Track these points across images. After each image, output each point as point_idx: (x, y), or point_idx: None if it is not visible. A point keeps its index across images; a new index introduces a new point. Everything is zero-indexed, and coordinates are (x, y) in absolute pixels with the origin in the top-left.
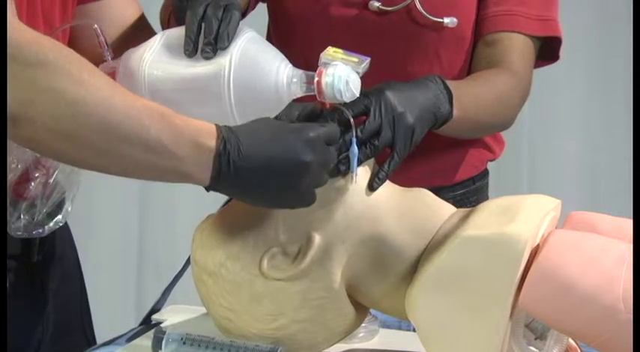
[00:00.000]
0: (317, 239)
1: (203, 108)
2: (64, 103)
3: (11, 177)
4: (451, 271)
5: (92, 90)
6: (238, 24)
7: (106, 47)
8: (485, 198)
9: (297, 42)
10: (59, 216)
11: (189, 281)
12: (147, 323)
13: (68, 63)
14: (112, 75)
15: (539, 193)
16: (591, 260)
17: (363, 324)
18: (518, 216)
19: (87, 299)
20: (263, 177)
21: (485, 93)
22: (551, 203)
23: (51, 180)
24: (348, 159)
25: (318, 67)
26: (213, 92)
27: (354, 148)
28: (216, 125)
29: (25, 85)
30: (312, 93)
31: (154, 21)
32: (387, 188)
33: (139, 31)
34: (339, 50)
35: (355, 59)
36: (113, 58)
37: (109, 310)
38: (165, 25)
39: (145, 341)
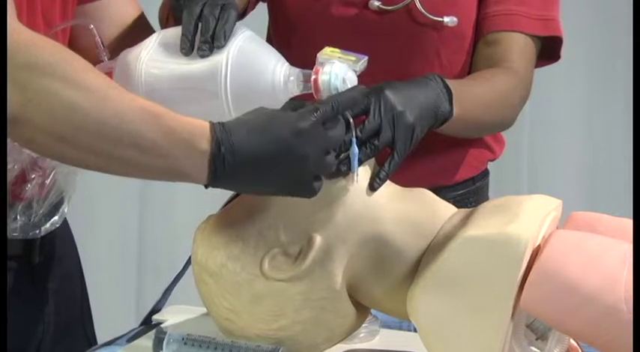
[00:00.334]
0: (318, 239)
1: (200, 106)
2: (59, 106)
3: (8, 178)
4: (452, 271)
5: (87, 92)
6: (235, 23)
7: (102, 47)
8: (486, 198)
9: (297, 41)
10: (56, 217)
11: (190, 282)
12: (147, 324)
13: (63, 64)
14: (109, 75)
15: (540, 193)
16: (593, 260)
17: (363, 324)
18: (520, 216)
19: (88, 300)
20: (259, 173)
21: (486, 92)
22: (552, 203)
23: (47, 181)
24: (348, 160)
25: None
26: (209, 90)
27: (354, 148)
28: (210, 124)
29: (21, 87)
30: (309, 92)
31: (154, 20)
32: (388, 188)
33: (139, 31)
34: (337, 50)
35: (352, 58)
36: (110, 58)
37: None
38: (164, 24)
39: (146, 341)
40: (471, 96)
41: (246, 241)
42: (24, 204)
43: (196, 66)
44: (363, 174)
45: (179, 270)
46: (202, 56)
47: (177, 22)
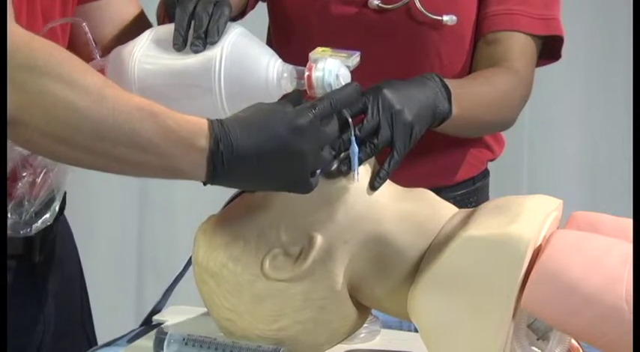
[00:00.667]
0: (319, 239)
1: (193, 101)
2: (55, 107)
3: None
4: (453, 271)
5: (83, 92)
6: (228, 19)
7: (93, 45)
8: (486, 198)
9: (296, 40)
10: (47, 215)
11: (190, 282)
12: (148, 324)
13: (60, 64)
14: (101, 72)
15: (540, 193)
16: (594, 260)
17: (364, 325)
18: (521, 216)
19: (88, 300)
20: (257, 169)
21: (486, 91)
22: (553, 203)
23: (39, 180)
24: (348, 159)
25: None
26: (203, 86)
27: (354, 147)
28: (208, 121)
29: (19, 89)
30: (303, 88)
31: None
32: (389, 188)
33: (139, 30)
34: (328, 49)
35: (344, 54)
36: (102, 56)
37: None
38: (161, 21)
39: (146, 341)
40: (471, 96)
41: (247, 241)
42: (15, 202)
43: (189, 61)
44: (363, 173)
45: (179, 271)
46: (195, 52)
47: (171, 20)
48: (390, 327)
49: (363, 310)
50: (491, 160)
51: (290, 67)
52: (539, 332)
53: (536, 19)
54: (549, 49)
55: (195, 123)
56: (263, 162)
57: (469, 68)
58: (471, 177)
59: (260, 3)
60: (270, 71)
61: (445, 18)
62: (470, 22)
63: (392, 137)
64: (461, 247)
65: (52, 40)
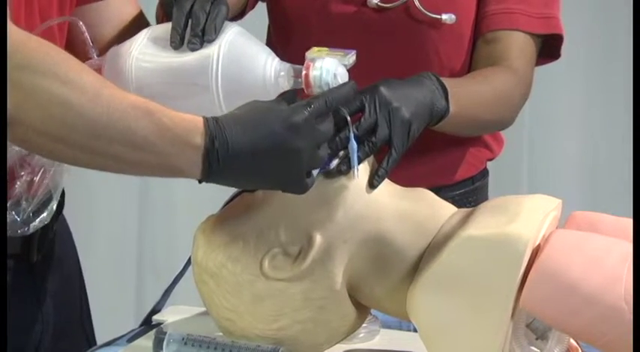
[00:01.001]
0: (318, 239)
1: (190, 100)
2: (50, 106)
3: None
4: (452, 271)
5: (79, 91)
6: (226, 18)
7: (90, 44)
8: (485, 198)
9: (296, 40)
10: (44, 214)
11: (190, 282)
12: (147, 324)
13: (56, 63)
14: (98, 71)
15: (539, 193)
16: (593, 260)
17: (363, 324)
18: (520, 216)
19: (87, 300)
20: (253, 168)
21: (484, 90)
22: (552, 203)
23: (36, 179)
24: (348, 159)
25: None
26: (200, 84)
27: (353, 144)
28: (203, 119)
29: (15, 88)
30: (300, 87)
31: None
32: (388, 187)
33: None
34: (324, 48)
35: (340, 53)
36: (99, 55)
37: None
38: (160, 22)
39: (146, 341)
40: (469, 94)
41: (247, 241)
42: (13, 202)
43: (187, 59)
44: (362, 172)
45: (179, 271)
46: (192, 49)
47: (169, 19)
48: (389, 327)
49: (362, 310)
50: (490, 159)
51: (287, 65)
52: (538, 331)
53: (535, 18)
54: (549, 48)
55: (191, 121)
56: (258, 160)
57: (468, 67)
58: (470, 176)
59: (260, 3)
60: (268, 69)
61: (444, 17)
62: (469, 21)
63: (390, 135)
64: (460, 247)
65: (49, 39)
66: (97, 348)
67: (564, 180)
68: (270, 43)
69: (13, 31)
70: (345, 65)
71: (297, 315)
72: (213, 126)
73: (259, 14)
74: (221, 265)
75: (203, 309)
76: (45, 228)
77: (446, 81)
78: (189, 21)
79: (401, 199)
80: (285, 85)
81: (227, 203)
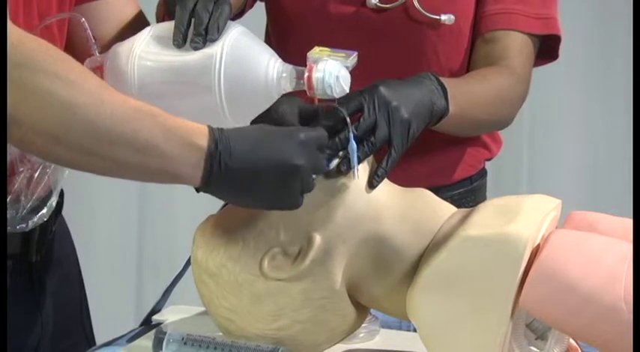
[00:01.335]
0: (317, 239)
1: (192, 100)
2: (51, 106)
3: None
4: (452, 271)
5: (80, 93)
6: (229, 18)
7: (92, 41)
8: (483, 197)
9: (294, 40)
10: (43, 211)
11: (190, 282)
12: (147, 324)
13: (56, 64)
14: (99, 69)
15: (539, 193)
16: (592, 260)
17: (363, 324)
18: (519, 215)
19: (86, 301)
20: (253, 178)
21: (483, 90)
22: (552, 203)
23: (36, 175)
24: (348, 159)
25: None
26: (203, 84)
27: (352, 143)
28: (208, 126)
29: (14, 87)
30: (302, 89)
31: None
32: (388, 188)
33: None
34: (326, 49)
35: (342, 54)
36: (101, 53)
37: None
38: (161, 21)
39: (146, 341)
40: (468, 94)
41: (246, 241)
42: (12, 198)
43: (189, 58)
44: (362, 172)
45: (179, 270)
46: (195, 49)
47: (171, 18)
48: (389, 327)
49: (362, 310)
50: (489, 159)
51: (290, 67)
52: (538, 331)
53: (533, 19)
54: (547, 48)
55: (195, 126)
56: (260, 170)
57: (467, 67)
58: (468, 176)
59: (258, 2)
60: (270, 70)
61: (443, 17)
62: (468, 22)
63: (389, 135)
64: (459, 247)
65: (48, 39)
66: (97, 348)
67: (564, 180)
68: (269, 43)
69: (12, 30)
70: (347, 67)
71: (296, 315)
72: (218, 132)
73: (257, 14)
74: (221, 265)
75: (203, 309)
76: (44, 229)
77: (445, 81)
78: (192, 20)
79: (400, 199)
80: (287, 87)
81: (227, 203)
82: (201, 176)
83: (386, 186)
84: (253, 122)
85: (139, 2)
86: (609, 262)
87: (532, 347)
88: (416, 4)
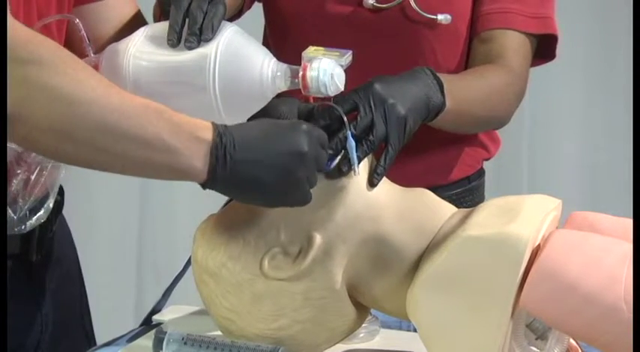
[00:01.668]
0: (318, 239)
1: (187, 99)
2: (59, 102)
3: None
4: (452, 271)
5: (88, 89)
6: (223, 17)
7: (87, 41)
8: (481, 197)
9: (292, 40)
10: (41, 212)
11: (190, 282)
12: (147, 324)
13: (63, 62)
14: (95, 69)
15: (539, 193)
16: (593, 260)
17: (363, 324)
18: (519, 215)
19: (87, 300)
20: (258, 169)
21: (479, 86)
22: (552, 203)
23: (33, 177)
24: (348, 159)
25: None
26: (198, 83)
27: (351, 141)
28: (211, 122)
29: (19, 84)
30: (297, 88)
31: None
32: (388, 187)
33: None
34: (320, 48)
35: (336, 53)
36: (95, 53)
37: (109, 311)
38: (158, 21)
39: (146, 341)
40: (464, 89)
41: (247, 241)
42: (9, 199)
43: (184, 58)
44: (361, 172)
45: (179, 270)
46: (189, 48)
47: (166, 18)
48: (389, 327)
49: (362, 310)
50: (487, 159)
51: (284, 66)
52: (538, 331)
53: (530, 18)
54: (544, 48)
55: (200, 122)
56: (265, 160)
57: (464, 67)
58: (466, 176)
59: (256, 3)
60: (265, 70)
61: (440, 17)
62: (465, 21)
63: (386, 132)
64: (460, 247)
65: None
66: (97, 348)
67: (564, 180)
68: (266, 44)
69: (17, 27)
70: (341, 65)
71: (296, 315)
72: (222, 127)
73: (255, 14)
74: (221, 265)
75: (203, 309)
76: (44, 228)
77: (441, 76)
78: (187, 20)
79: (401, 199)
80: (282, 86)
81: (227, 203)
82: (207, 170)
83: (386, 186)
84: (249, 121)
85: (138, 3)
86: (609, 262)
87: (532, 347)
88: (413, 4)
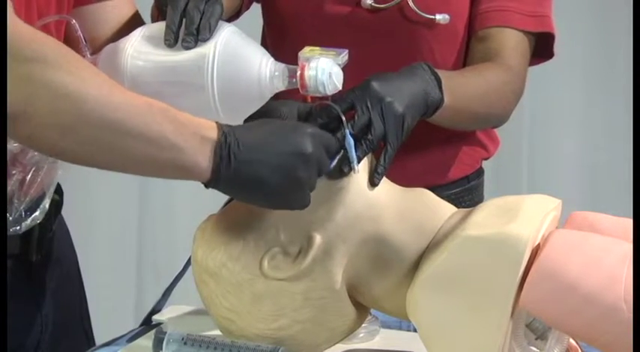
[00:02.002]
0: (317, 239)
1: (185, 99)
2: (64, 99)
3: None
4: (452, 271)
5: (93, 87)
6: (220, 18)
7: (84, 42)
8: (480, 197)
9: (290, 40)
10: (37, 213)
11: (190, 282)
12: (147, 324)
13: (67, 61)
14: None
15: (539, 193)
16: (593, 260)
17: (363, 324)
18: (519, 215)
19: (86, 300)
20: (262, 169)
21: (477, 83)
22: (552, 203)
23: (28, 177)
24: (348, 160)
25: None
26: (196, 83)
27: (349, 139)
28: (215, 121)
29: (24, 81)
30: (294, 87)
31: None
32: (388, 188)
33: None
34: (316, 48)
35: (333, 52)
36: (92, 54)
37: (109, 311)
38: (155, 21)
39: (146, 341)
40: (462, 86)
41: (246, 241)
42: None
43: (182, 58)
44: (361, 171)
45: (179, 270)
46: (186, 48)
47: (164, 18)
48: (389, 327)
49: (362, 310)
50: (486, 159)
51: (282, 65)
52: (538, 331)
53: (527, 16)
54: (542, 47)
55: (204, 121)
56: (269, 160)
57: (462, 66)
58: (465, 175)
59: (254, 4)
60: (263, 69)
61: (438, 17)
62: (463, 21)
63: (384, 131)
64: (460, 247)
65: None
66: (97, 348)
67: (564, 180)
68: (265, 44)
69: (20, 25)
70: (338, 64)
71: (296, 315)
72: (226, 127)
73: (254, 15)
74: (221, 264)
75: (203, 309)
76: (44, 228)
77: (439, 72)
78: (184, 19)
79: (401, 199)
80: (280, 85)
81: (227, 203)
82: (210, 168)
83: (386, 186)
84: (247, 121)
85: (136, 3)
86: (609, 262)
87: (532, 347)
88: (411, 4)
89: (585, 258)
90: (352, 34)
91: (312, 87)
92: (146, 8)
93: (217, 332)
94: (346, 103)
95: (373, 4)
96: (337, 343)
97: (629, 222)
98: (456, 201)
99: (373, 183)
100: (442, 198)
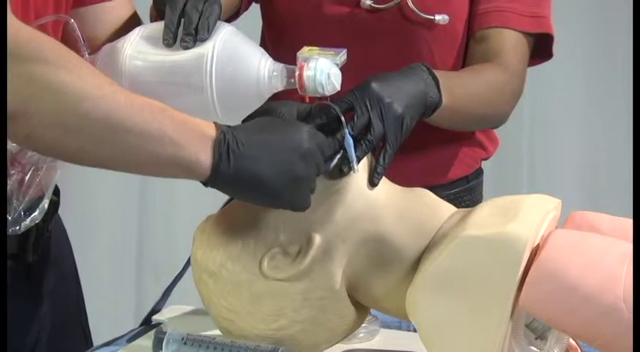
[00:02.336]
0: (317, 239)
1: (184, 99)
2: (65, 98)
3: None
4: (451, 271)
5: (93, 86)
6: (219, 17)
7: (82, 42)
8: (480, 197)
9: (289, 41)
10: (35, 213)
11: (190, 282)
12: (147, 324)
13: (67, 60)
14: None
15: (539, 193)
16: (592, 260)
17: (363, 324)
18: (519, 215)
19: (83, 300)
20: (261, 166)
21: (476, 83)
22: (552, 203)
23: (27, 178)
24: (347, 160)
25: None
26: (194, 83)
27: (348, 138)
28: (214, 121)
29: (24, 81)
30: (293, 88)
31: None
32: (387, 188)
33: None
34: (315, 48)
35: (331, 52)
36: (90, 54)
37: (109, 311)
38: (154, 21)
39: (146, 341)
40: (461, 86)
41: (246, 241)
42: None
43: (180, 58)
44: (361, 173)
45: (179, 271)
46: (185, 48)
47: (162, 18)
48: (389, 327)
49: (361, 310)
50: (485, 159)
51: (280, 65)
52: (538, 331)
53: (526, 17)
54: (542, 48)
55: (202, 121)
56: (268, 157)
57: (462, 67)
58: (464, 175)
59: (253, 4)
60: (262, 70)
61: (437, 17)
62: (462, 21)
63: (384, 131)
64: (459, 246)
65: None
66: (97, 348)
67: (564, 180)
68: (264, 44)
69: (19, 26)
70: (337, 64)
71: (296, 315)
72: (225, 126)
73: (253, 15)
74: (220, 265)
75: (203, 309)
76: (40, 228)
77: (437, 73)
78: (182, 19)
79: (400, 199)
80: (279, 85)
81: (227, 203)
82: (210, 166)
83: (386, 186)
84: (245, 121)
85: (135, 3)
86: (609, 262)
87: (532, 347)
88: (410, 4)
89: (585, 258)
90: (351, 34)
91: (310, 87)
92: (145, 8)
93: (217, 332)
94: (345, 104)
95: (372, 4)
96: (337, 343)
97: (629, 222)
98: (456, 201)
99: (373, 183)
100: (442, 198)
